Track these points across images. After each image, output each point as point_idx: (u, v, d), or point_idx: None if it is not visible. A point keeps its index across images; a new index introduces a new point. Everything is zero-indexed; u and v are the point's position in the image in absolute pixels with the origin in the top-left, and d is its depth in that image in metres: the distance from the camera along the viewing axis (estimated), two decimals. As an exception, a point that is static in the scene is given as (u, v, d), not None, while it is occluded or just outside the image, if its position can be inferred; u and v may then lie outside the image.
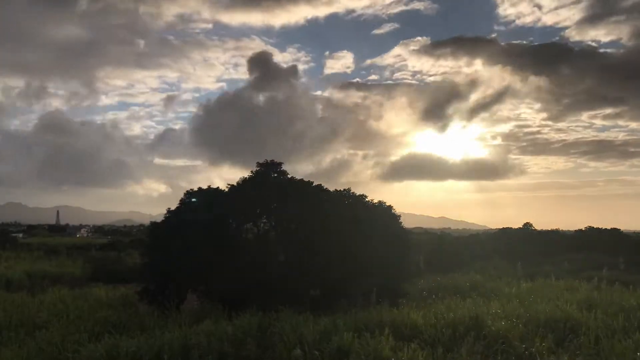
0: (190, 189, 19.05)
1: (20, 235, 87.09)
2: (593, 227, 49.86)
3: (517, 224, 55.75)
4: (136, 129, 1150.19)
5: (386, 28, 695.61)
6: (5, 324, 13.28)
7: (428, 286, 21.06)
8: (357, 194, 19.51)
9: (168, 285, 16.96)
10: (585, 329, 11.62)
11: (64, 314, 14.41)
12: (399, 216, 19.94)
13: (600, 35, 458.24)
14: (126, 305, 16.64)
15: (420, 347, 10.44)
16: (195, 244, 16.62)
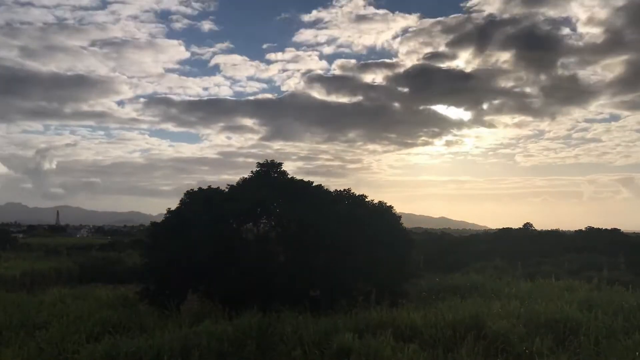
0: (191, 189, 19.08)
1: (20, 235, 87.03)
2: (593, 227, 49.88)
3: (517, 224, 55.81)
4: None
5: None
6: (5, 324, 13.26)
7: (428, 286, 21.04)
8: (357, 194, 19.53)
9: (168, 285, 16.94)
10: (586, 329, 11.61)
11: (64, 314, 14.39)
12: (399, 216, 19.94)
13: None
14: (126, 306, 16.60)
15: (421, 347, 10.44)
16: (195, 244, 16.61)
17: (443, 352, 10.26)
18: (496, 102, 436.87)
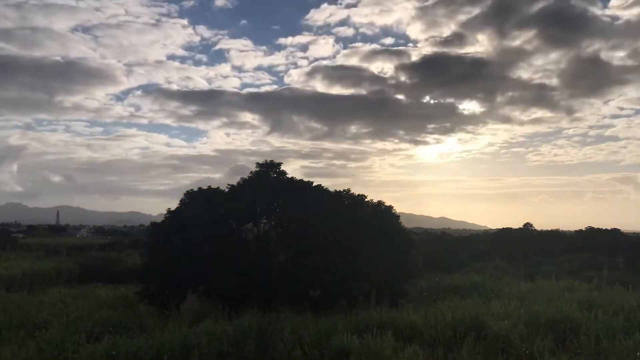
0: (191, 189, 19.10)
1: (20, 235, 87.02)
2: (593, 227, 49.93)
3: (517, 224, 55.87)
4: None
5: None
6: (5, 324, 13.24)
7: (428, 286, 21.04)
8: (357, 194, 19.55)
9: (168, 285, 16.94)
10: (586, 329, 11.61)
11: (64, 314, 14.38)
12: (399, 216, 19.96)
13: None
14: (126, 306, 16.61)
15: (421, 347, 10.43)
16: (195, 244, 16.62)
17: (443, 353, 10.25)
18: (512, 94, 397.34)
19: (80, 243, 63.22)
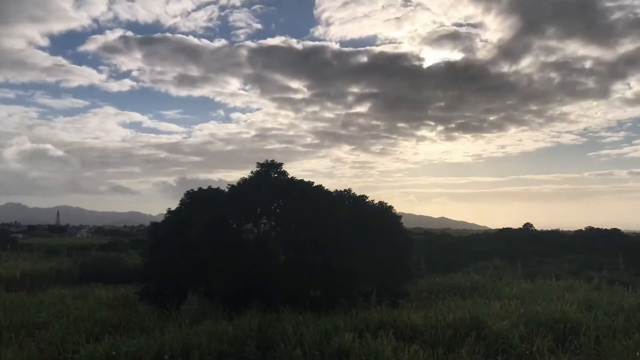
0: (191, 189, 19.10)
1: (20, 235, 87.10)
2: (593, 227, 49.89)
3: (517, 224, 55.94)
4: None
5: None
6: (5, 324, 13.26)
7: (428, 286, 21.06)
8: (358, 194, 19.56)
9: (168, 285, 16.95)
10: (586, 329, 11.63)
11: (64, 314, 14.40)
12: (400, 216, 19.95)
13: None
14: (126, 306, 16.62)
15: (421, 347, 10.44)
16: (196, 244, 16.61)
17: (444, 353, 10.27)
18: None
19: (80, 243, 63.21)
